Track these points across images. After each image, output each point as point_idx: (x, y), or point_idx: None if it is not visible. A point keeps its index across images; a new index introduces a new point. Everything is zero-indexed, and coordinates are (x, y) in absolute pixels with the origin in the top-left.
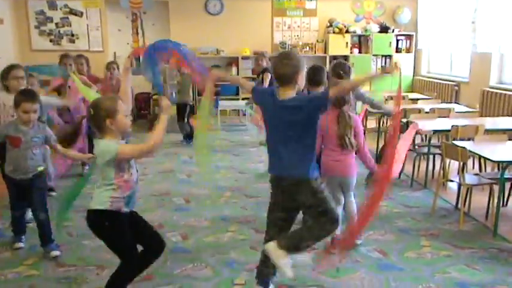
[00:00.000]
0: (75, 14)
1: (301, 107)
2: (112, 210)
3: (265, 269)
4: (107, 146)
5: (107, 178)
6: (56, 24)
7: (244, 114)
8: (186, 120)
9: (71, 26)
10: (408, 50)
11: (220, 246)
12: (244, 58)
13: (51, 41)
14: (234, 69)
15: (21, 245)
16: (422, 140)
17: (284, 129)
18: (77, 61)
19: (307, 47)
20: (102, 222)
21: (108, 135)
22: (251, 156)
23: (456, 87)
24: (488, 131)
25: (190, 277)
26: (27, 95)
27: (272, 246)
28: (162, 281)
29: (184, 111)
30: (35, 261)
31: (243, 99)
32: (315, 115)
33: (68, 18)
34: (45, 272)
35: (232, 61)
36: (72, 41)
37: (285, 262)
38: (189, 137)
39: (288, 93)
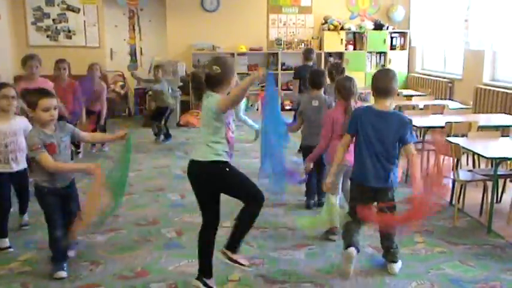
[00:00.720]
0: (72, 10)
1: None
2: (226, 160)
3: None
4: (215, 97)
5: (219, 133)
6: (53, 20)
7: None
8: (163, 122)
9: (68, 22)
10: (402, 47)
11: (215, 242)
12: (240, 54)
13: (48, 36)
14: None
15: (64, 274)
16: (417, 136)
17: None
18: (59, 66)
19: (303, 44)
20: (224, 169)
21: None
22: (246, 152)
23: (450, 84)
24: (481, 128)
25: (185, 273)
26: (42, 92)
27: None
28: (157, 277)
29: (162, 114)
30: (28, 258)
31: None
32: None
33: (65, 14)
34: (38, 268)
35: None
36: (69, 37)
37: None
38: (166, 136)
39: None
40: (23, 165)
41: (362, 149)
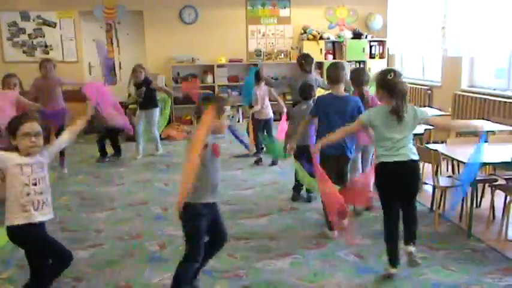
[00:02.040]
0: (49, 25)
1: None
2: None
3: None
4: None
5: None
6: (29, 35)
7: None
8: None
9: (44, 36)
10: (381, 56)
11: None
12: (220, 66)
13: (24, 52)
14: (209, 77)
15: None
16: None
17: None
18: (8, 81)
19: (282, 54)
20: None
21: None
22: (230, 164)
23: (429, 91)
24: (460, 134)
25: (168, 286)
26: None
27: None
28: None
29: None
30: (10, 275)
31: None
32: None
33: (41, 29)
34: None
35: (208, 69)
36: (46, 52)
37: None
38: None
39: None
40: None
41: (324, 126)
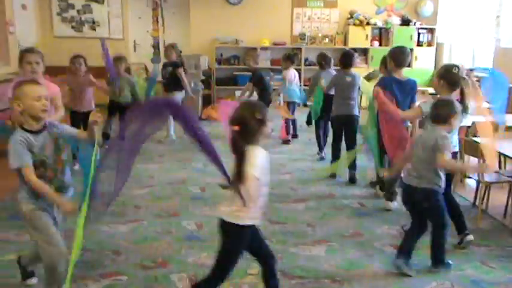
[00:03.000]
0: (97, 1)
1: None
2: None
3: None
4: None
5: None
6: (78, 11)
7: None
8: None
9: (92, 13)
10: (430, 44)
11: None
12: (263, 48)
13: (72, 27)
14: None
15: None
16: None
17: None
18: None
19: (327, 39)
20: None
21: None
22: (266, 148)
23: (479, 82)
24: (509, 128)
25: (204, 265)
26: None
27: None
28: (177, 268)
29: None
30: None
31: None
32: None
33: (89, 5)
34: None
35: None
36: (93, 28)
37: None
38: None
39: None
40: None
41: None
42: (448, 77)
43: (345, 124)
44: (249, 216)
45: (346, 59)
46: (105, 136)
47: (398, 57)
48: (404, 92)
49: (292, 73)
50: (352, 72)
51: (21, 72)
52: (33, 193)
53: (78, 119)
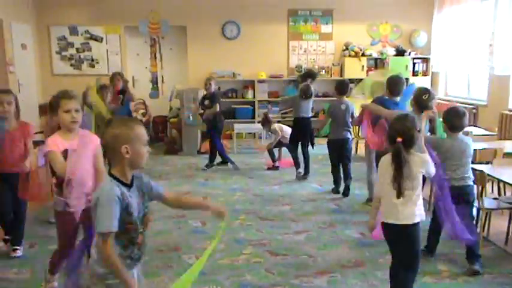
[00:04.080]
0: (96, 40)
1: None
2: None
3: None
4: None
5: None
6: (77, 49)
7: (260, 138)
8: None
9: (91, 50)
10: (425, 73)
11: (235, 269)
12: (260, 81)
13: (71, 65)
14: (250, 92)
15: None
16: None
17: None
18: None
19: (323, 70)
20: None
21: None
22: (267, 179)
23: (474, 110)
24: (507, 155)
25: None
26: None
27: None
28: None
29: None
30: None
31: (258, 122)
32: None
33: (88, 43)
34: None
35: (248, 84)
36: (92, 66)
37: None
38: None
39: None
40: None
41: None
42: (418, 100)
43: (341, 146)
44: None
45: (341, 87)
46: None
47: (394, 86)
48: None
49: (278, 126)
50: (345, 100)
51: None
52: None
53: None
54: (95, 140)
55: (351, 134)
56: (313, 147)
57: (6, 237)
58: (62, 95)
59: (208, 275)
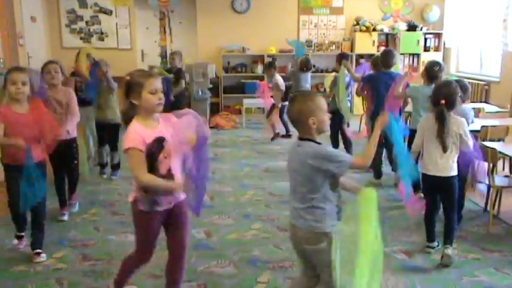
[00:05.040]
0: (105, 13)
1: None
2: None
3: None
4: None
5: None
6: (86, 22)
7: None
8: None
9: (100, 24)
10: (437, 49)
11: (244, 244)
12: (270, 56)
13: (81, 38)
14: (259, 67)
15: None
16: None
17: None
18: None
19: (334, 46)
20: None
21: None
22: (275, 154)
23: (486, 87)
24: None
25: (214, 274)
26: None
27: None
28: (187, 277)
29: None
30: (64, 255)
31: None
32: None
33: (97, 16)
34: (72, 266)
35: (258, 59)
36: (102, 39)
37: None
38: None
39: None
40: None
41: None
42: (429, 71)
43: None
44: None
45: (341, 59)
46: (101, 165)
47: (387, 60)
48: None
49: (279, 78)
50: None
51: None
52: None
53: None
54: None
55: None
56: None
57: (20, 233)
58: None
59: (217, 250)
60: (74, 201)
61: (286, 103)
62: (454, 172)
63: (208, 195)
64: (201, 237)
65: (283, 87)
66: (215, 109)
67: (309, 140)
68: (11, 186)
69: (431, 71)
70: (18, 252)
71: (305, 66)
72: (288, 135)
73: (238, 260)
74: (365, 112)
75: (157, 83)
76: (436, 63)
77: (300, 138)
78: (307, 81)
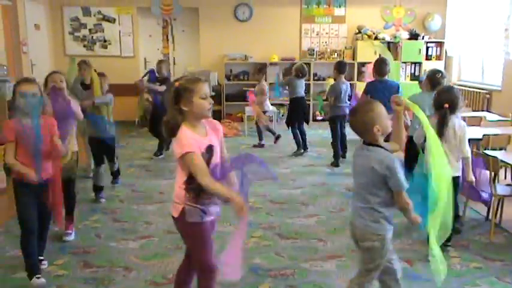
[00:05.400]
0: (108, 21)
1: None
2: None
3: None
4: None
5: None
6: (90, 30)
7: (271, 120)
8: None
9: (103, 32)
10: (438, 58)
11: (245, 252)
12: (272, 64)
13: (84, 46)
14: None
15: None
16: None
17: None
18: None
19: (336, 54)
20: None
21: None
22: (277, 162)
23: (488, 96)
24: None
25: (216, 281)
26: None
27: None
28: None
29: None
30: (65, 262)
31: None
32: None
33: (101, 24)
34: (73, 272)
35: (260, 67)
36: (105, 47)
37: None
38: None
39: None
40: None
41: None
42: (432, 78)
43: (342, 121)
44: None
45: (340, 67)
46: (98, 188)
47: (382, 68)
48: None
49: (265, 84)
50: (344, 80)
51: None
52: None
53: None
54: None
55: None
56: (307, 124)
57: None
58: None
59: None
60: (70, 230)
61: (271, 109)
62: (456, 173)
63: None
64: None
65: (267, 94)
66: (217, 117)
67: (378, 146)
68: (23, 203)
69: (434, 78)
70: (19, 259)
71: (300, 72)
72: (260, 145)
73: None
74: None
75: (207, 88)
76: (438, 71)
77: (368, 144)
78: (303, 87)
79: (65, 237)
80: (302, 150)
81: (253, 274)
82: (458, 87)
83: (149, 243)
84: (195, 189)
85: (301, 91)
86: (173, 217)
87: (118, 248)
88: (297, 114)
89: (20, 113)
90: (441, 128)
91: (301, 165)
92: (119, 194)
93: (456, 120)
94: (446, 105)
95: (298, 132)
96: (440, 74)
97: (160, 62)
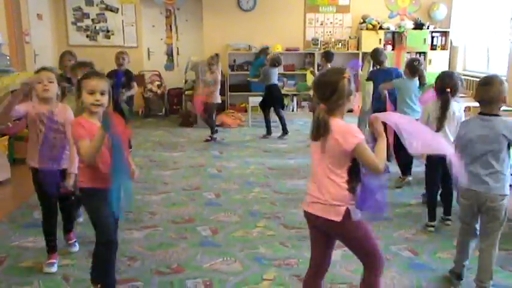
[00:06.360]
0: (111, 10)
1: None
2: None
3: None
4: None
5: None
6: (92, 20)
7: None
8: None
9: (106, 22)
10: (443, 47)
11: (249, 241)
12: (277, 54)
13: (87, 36)
14: None
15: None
16: None
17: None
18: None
19: (340, 44)
20: None
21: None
22: (281, 153)
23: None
24: None
25: (220, 271)
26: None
27: None
28: (192, 273)
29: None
30: (71, 251)
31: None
32: None
33: (103, 14)
34: (79, 262)
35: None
36: (108, 37)
37: None
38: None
39: None
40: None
41: None
42: (411, 66)
43: None
44: None
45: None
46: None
47: (379, 57)
48: (390, 77)
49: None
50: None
51: None
52: None
53: None
54: None
55: None
56: (283, 109)
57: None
58: None
59: (222, 247)
60: (72, 240)
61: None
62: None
63: (215, 192)
64: (206, 235)
65: (219, 84)
66: (221, 107)
67: (497, 115)
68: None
69: (413, 66)
70: (24, 248)
71: (276, 62)
72: (212, 139)
73: (244, 257)
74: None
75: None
76: (415, 59)
77: (487, 114)
78: (276, 76)
79: (71, 249)
80: (269, 135)
81: (258, 263)
82: (464, 77)
83: (154, 233)
84: (355, 187)
85: (275, 79)
86: (332, 221)
87: (123, 237)
88: (272, 99)
89: (86, 111)
90: (444, 111)
91: (307, 155)
92: None
93: (455, 104)
94: (448, 90)
95: (270, 119)
96: (418, 62)
97: (120, 53)
